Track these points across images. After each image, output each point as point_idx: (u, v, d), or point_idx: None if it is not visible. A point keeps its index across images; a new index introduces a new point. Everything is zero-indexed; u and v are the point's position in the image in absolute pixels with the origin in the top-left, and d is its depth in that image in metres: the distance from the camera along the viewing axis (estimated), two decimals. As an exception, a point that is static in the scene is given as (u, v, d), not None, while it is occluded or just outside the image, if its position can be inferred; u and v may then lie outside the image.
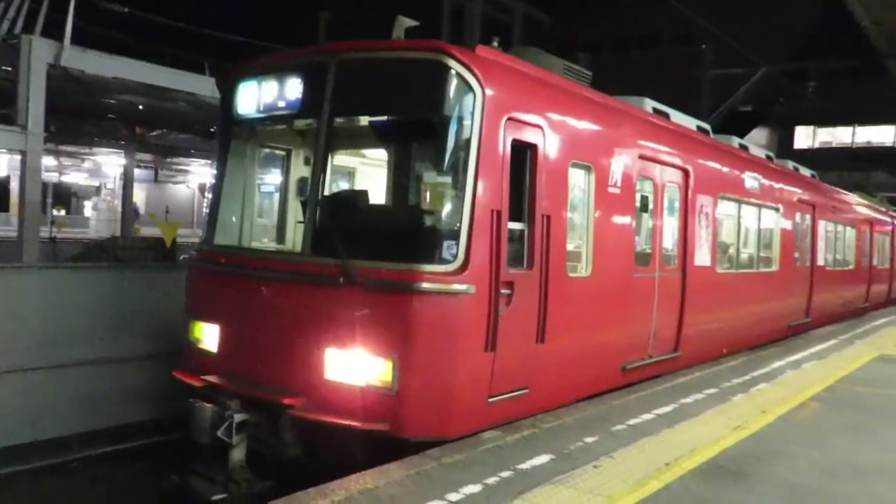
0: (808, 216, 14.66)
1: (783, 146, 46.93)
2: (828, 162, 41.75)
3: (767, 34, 38.57)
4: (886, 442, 6.56)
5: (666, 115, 9.80)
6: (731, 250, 11.45)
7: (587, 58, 26.10)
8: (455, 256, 5.73)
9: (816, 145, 51.25)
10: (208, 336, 6.78)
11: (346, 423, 5.60)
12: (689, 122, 10.54)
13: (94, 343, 9.35)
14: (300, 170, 7.69)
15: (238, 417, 5.93)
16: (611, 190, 7.73)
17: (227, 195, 7.37)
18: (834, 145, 50.39)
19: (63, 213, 51.26)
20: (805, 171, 16.09)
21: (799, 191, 14.29)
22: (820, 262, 15.36)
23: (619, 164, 7.87)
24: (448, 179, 6.04)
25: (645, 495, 4.90)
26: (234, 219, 7.44)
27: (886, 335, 14.70)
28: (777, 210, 12.93)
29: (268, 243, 7.96)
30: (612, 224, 7.85)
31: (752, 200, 11.93)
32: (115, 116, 23.30)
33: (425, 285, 5.60)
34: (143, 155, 34.23)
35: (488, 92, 5.94)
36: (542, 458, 5.54)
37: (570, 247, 7.16)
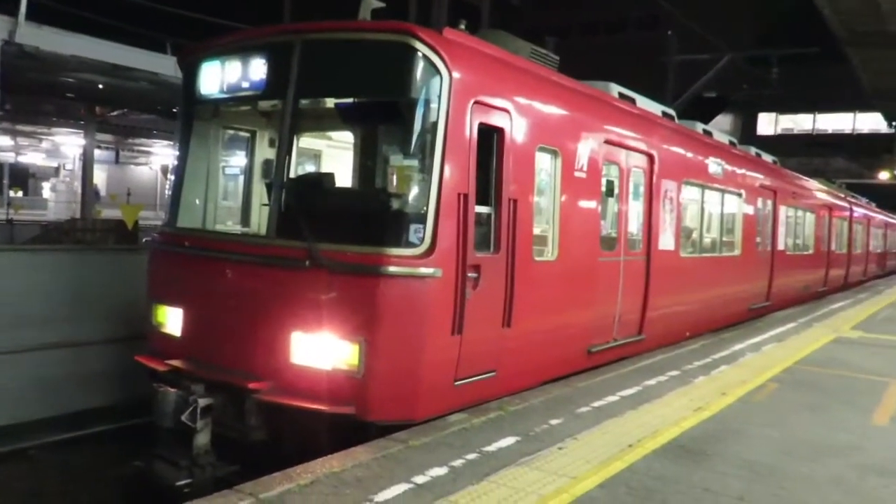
0: (769, 201, 14.89)
1: (746, 132, 47.70)
2: (789, 148, 42.59)
3: (732, 20, 39.02)
4: (841, 422, 6.74)
5: (632, 101, 9.86)
6: (695, 235, 11.60)
7: (555, 42, 26.12)
8: (422, 240, 5.73)
9: (778, 132, 52.21)
10: (171, 320, 6.68)
11: (313, 406, 5.57)
12: (655, 108, 10.63)
13: (52, 327, 9.12)
14: (265, 152, 7.61)
15: (202, 402, 5.86)
16: (577, 174, 7.78)
17: (189, 177, 7.25)
18: (795, 132, 51.37)
19: (20, 194, 49.98)
20: (767, 157, 16.34)
21: (761, 176, 14.51)
22: (780, 246, 15.63)
23: (586, 148, 7.93)
24: (415, 162, 6.00)
25: (609, 475, 4.98)
26: (197, 201, 7.32)
27: (843, 318, 15.08)
28: (739, 195, 13.12)
29: (232, 226, 7.84)
30: (578, 208, 7.90)
31: (716, 185, 12.10)
32: (74, 95, 22.70)
33: (392, 268, 5.59)
34: (104, 135, 33.43)
35: (455, 75, 5.92)
36: (508, 440, 5.59)
37: (536, 231, 7.18)
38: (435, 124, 5.84)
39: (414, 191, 5.97)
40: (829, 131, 49.47)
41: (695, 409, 6.84)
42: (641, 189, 9.55)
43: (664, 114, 10.90)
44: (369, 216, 6.19)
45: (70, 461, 8.47)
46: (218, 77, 6.68)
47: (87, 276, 9.55)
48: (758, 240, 14.22)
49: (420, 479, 4.73)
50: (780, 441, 6.01)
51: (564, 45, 27.22)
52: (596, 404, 6.81)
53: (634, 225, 9.48)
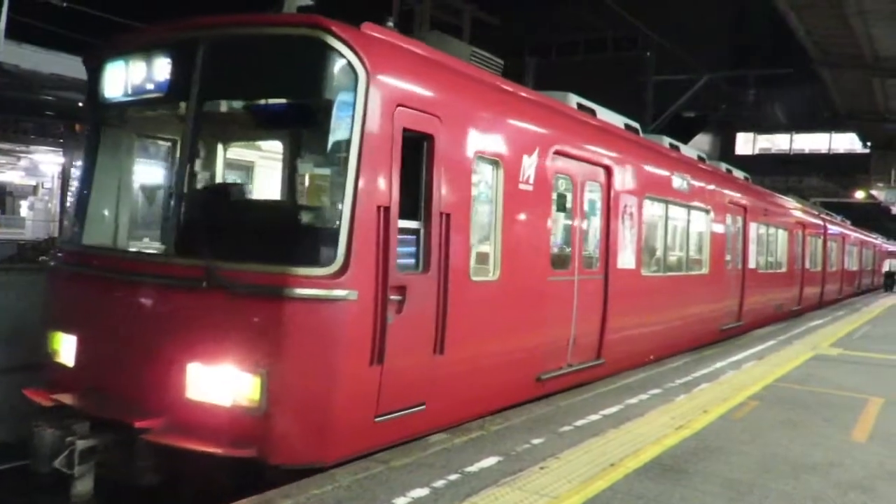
0: (739, 218, 14.56)
1: (725, 152, 48.28)
2: (767, 167, 43.16)
3: (709, 42, 39.60)
4: (821, 439, 6.78)
5: (592, 112, 9.46)
6: (659, 253, 11.19)
7: (535, 61, 26.38)
8: (333, 258, 5.13)
9: (756, 151, 52.95)
10: (66, 348, 5.97)
11: (206, 449, 4.93)
12: (617, 120, 10.23)
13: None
14: (202, 164, 6.79)
15: (81, 444, 5.13)
16: (522, 187, 7.22)
17: (97, 189, 6.51)
18: (773, 151, 52.13)
19: (-3, 213, 49.34)
20: (738, 174, 16.16)
21: (730, 192, 14.18)
22: (752, 264, 15.26)
23: (532, 159, 7.35)
24: (327, 171, 5.54)
25: (590, 495, 4.96)
26: (104, 216, 6.60)
27: (822, 335, 15.22)
28: (707, 212, 12.73)
29: (148, 244, 7.06)
30: (523, 224, 7.33)
31: (681, 201, 11.69)
32: (54, 113, 22.55)
33: (298, 290, 4.99)
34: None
35: (375, 74, 5.36)
36: (490, 460, 5.56)
37: (475, 248, 6.71)
38: (350, 129, 5.27)
39: (326, 203, 5.50)
40: (806, 151, 50.23)
41: (676, 427, 6.85)
42: (598, 204, 9.01)
43: (628, 127, 10.51)
44: (275, 231, 5.63)
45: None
46: (122, 79, 6.03)
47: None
48: (727, 258, 13.77)
49: (401, 501, 4.69)
50: (760, 458, 6.02)
51: (545, 64, 27.50)
52: (578, 423, 6.80)
53: (590, 242, 8.97)
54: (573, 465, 5.55)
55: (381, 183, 5.44)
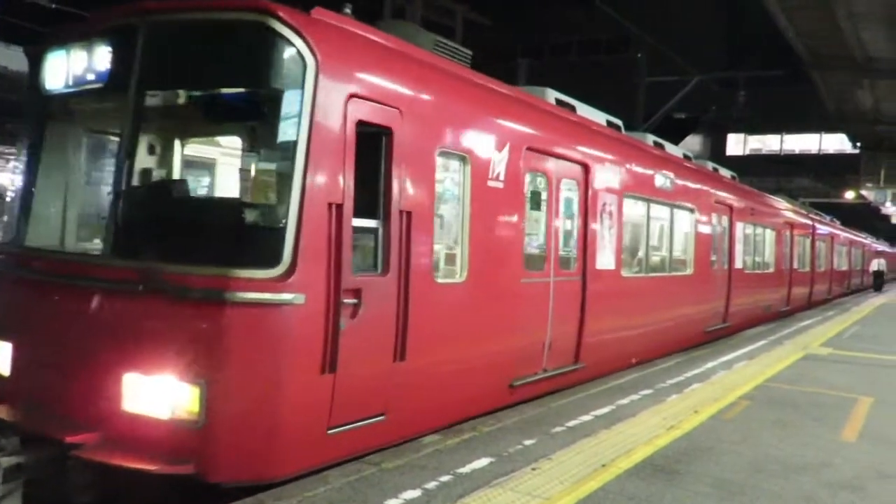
0: (725, 217, 14.28)
1: (716, 153, 48.56)
2: (758, 168, 43.45)
3: (701, 43, 39.78)
4: (811, 438, 6.81)
5: (571, 108, 9.17)
6: (641, 253, 10.81)
7: (528, 63, 26.43)
8: (279, 259, 4.77)
9: (747, 152, 53.30)
10: (2, 356, 5.62)
11: (140, 466, 4.60)
12: (599, 117, 9.94)
13: None
14: (144, 159, 6.37)
15: (6, 461, 4.81)
16: (491, 184, 6.85)
17: (40, 187, 6.11)
18: (764, 152, 52.47)
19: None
20: (725, 172, 15.97)
21: (716, 191, 13.89)
22: (738, 264, 14.98)
23: (503, 155, 6.97)
24: (273, 166, 5.21)
25: (582, 496, 4.97)
26: (47, 215, 6.21)
27: (812, 335, 15.30)
28: (692, 211, 12.40)
29: (93, 245, 6.41)
30: (493, 223, 6.95)
31: (665, 200, 11.36)
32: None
33: (240, 294, 4.65)
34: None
35: (325, 63, 5.02)
36: (482, 462, 5.56)
37: (440, 248, 6.42)
38: (298, 121, 4.91)
39: (272, 200, 5.13)
40: (797, 152, 50.53)
41: (668, 427, 6.87)
42: (576, 202, 8.62)
43: (610, 124, 10.18)
44: (218, 230, 5.28)
45: None
46: (63, 69, 5.68)
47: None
48: (713, 258, 13.45)
49: (393, 503, 4.68)
50: (751, 458, 6.05)
51: (538, 65, 27.56)
52: (570, 424, 6.82)
53: (567, 242, 8.57)
54: (565, 466, 5.56)
55: (333, 179, 5.07)
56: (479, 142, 6.76)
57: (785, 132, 51.76)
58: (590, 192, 8.70)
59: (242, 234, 5.16)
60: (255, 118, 5.56)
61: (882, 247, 52.38)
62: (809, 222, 23.78)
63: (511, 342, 7.30)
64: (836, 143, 48.24)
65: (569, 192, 8.53)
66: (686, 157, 13.40)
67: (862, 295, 32.75)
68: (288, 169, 4.91)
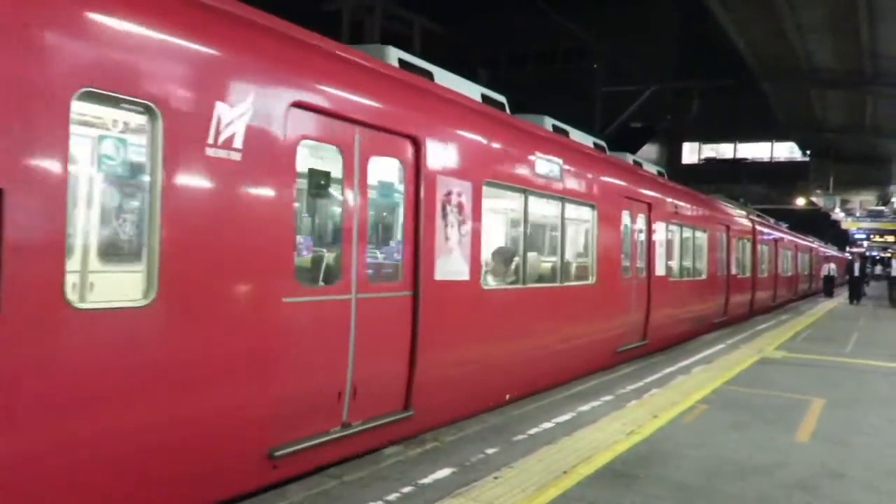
0: (641, 217, 12.33)
1: (672, 161, 49.54)
2: (712, 176, 44.40)
3: (655, 53, 40.57)
4: (767, 440, 6.94)
5: (418, 69, 7.24)
6: (517, 258, 8.80)
7: (488, 74, 26.64)
8: None
9: (701, 160, 54.49)
10: None
11: None
12: (472, 90, 8.05)
13: None
14: None
15: None
16: (213, 153, 4.52)
17: None
18: (717, 160, 53.74)
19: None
20: (651, 168, 14.29)
21: (629, 185, 11.83)
22: (660, 271, 13.06)
23: (240, 109, 4.69)
24: None
25: (544, 503, 4.99)
26: None
27: (767, 338, 15.63)
28: (592, 206, 10.27)
29: None
30: (219, 213, 4.63)
31: (552, 193, 9.16)
32: None
33: None
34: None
35: None
36: (444, 472, 5.54)
37: (75, 249, 4.80)
38: None
39: None
40: (749, 159, 51.84)
41: (627, 432, 6.94)
42: (397, 190, 6.56)
43: (485, 98, 8.20)
44: None
45: None
46: None
47: None
48: (625, 264, 11.51)
49: (354, 516, 4.65)
50: (709, 461, 6.14)
51: (497, 76, 27.80)
52: (531, 431, 6.84)
53: (387, 243, 6.74)
54: (527, 474, 5.58)
55: None
56: (184, 84, 4.38)
57: (738, 141, 53.10)
58: (423, 175, 6.51)
59: None
60: None
61: (832, 251, 53.81)
62: (750, 224, 22.01)
63: (266, 393, 4.97)
64: (787, 151, 49.61)
65: (386, 175, 6.56)
66: (598, 147, 11.44)
67: (812, 300, 33.54)
68: None
